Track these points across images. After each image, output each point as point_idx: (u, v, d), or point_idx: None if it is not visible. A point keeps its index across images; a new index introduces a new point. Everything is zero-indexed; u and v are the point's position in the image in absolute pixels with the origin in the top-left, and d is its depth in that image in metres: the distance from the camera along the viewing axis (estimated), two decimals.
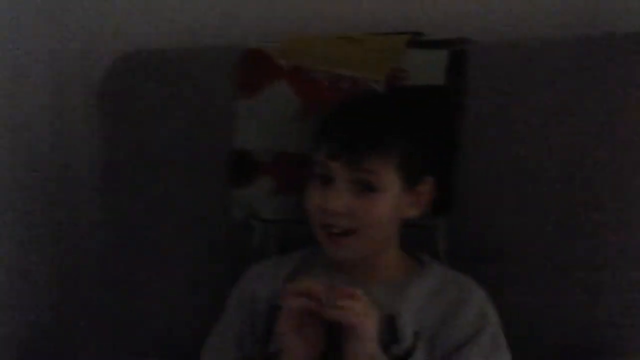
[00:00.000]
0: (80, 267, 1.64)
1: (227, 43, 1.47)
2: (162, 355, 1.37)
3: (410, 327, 1.16)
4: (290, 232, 1.36)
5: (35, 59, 1.62)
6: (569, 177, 1.23)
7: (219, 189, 1.37)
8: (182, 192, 1.39)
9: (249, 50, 1.40)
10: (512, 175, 1.26)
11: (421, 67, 1.31)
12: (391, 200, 1.18)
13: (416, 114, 1.23)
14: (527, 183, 1.25)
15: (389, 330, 1.15)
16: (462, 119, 1.28)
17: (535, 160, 1.24)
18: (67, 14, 1.65)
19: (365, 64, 1.33)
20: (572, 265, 1.24)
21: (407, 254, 1.26)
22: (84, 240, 1.64)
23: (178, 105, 1.40)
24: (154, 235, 1.41)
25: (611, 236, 1.22)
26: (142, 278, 1.41)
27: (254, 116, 1.36)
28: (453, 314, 1.17)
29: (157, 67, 1.45)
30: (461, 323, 1.16)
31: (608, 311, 1.23)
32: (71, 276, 1.66)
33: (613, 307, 1.23)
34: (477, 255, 1.28)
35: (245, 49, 1.40)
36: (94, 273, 1.50)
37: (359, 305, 1.08)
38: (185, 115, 1.40)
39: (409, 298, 1.18)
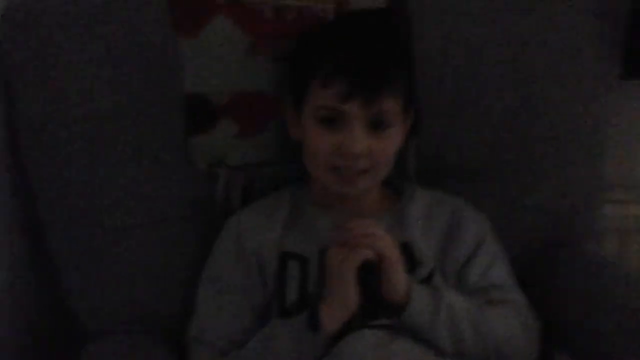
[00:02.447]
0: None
1: None
2: (144, 330, 1.26)
3: (425, 250, 1.21)
4: (255, 177, 1.31)
5: None
6: (519, 87, 1.34)
7: (176, 140, 1.27)
8: (133, 150, 1.25)
9: None
10: (464, 92, 1.33)
11: None
12: (399, 134, 1.20)
13: (400, 40, 1.25)
14: (479, 99, 1.33)
15: (407, 258, 1.18)
16: (412, 39, 1.32)
17: (485, 74, 1.33)
18: None
19: None
20: (529, 173, 1.37)
21: (384, 183, 1.28)
22: None
23: (107, 57, 1.23)
24: (106, 203, 1.25)
25: (562, 140, 1.36)
26: (101, 253, 1.26)
27: (200, 57, 1.26)
28: (454, 232, 1.24)
29: (64, 15, 1.23)
30: (464, 238, 1.23)
31: (572, 202, 1.39)
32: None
33: (577, 198, 1.39)
34: (440, 173, 1.35)
35: None
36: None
37: (382, 234, 1.12)
38: (120, 66, 1.23)
39: (410, 224, 1.23)
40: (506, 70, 1.34)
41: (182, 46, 1.25)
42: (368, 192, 1.23)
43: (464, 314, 1.13)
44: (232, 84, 1.28)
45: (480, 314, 1.15)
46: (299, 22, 1.29)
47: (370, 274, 1.11)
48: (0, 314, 1.28)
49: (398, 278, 1.12)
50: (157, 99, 1.25)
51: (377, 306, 1.13)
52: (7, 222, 1.29)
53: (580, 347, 1.23)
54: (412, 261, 1.18)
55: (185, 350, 1.21)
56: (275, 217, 1.23)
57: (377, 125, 1.15)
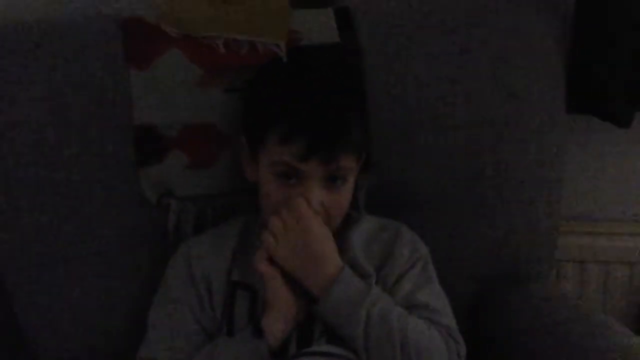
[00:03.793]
0: None
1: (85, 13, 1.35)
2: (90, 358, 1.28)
3: (367, 266, 1.20)
4: (206, 208, 1.32)
5: None
6: (469, 123, 1.35)
7: (127, 171, 1.28)
8: (83, 180, 1.27)
9: (129, 20, 1.30)
10: (415, 127, 1.35)
11: (313, 27, 1.34)
12: (353, 184, 1.20)
13: (355, 85, 1.27)
14: (429, 133, 1.35)
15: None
16: (364, 76, 1.33)
17: (435, 109, 1.34)
18: None
19: (260, 27, 1.32)
20: (480, 206, 1.38)
21: None
22: None
23: (57, 87, 1.26)
24: (57, 234, 1.27)
25: (512, 175, 1.37)
26: (51, 280, 1.27)
27: (151, 89, 1.28)
28: (389, 254, 1.23)
29: (14, 43, 1.27)
30: (397, 263, 1.23)
31: (516, 244, 1.40)
32: None
33: (521, 241, 1.40)
34: (393, 208, 1.34)
35: (124, 18, 1.30)
36: None
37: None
38: (71, 97, 1.26)
39: (352, 246, 1.22)
40: (455, 107, 1.35)
41: (133, 78, 1.27)
42: None
43: (393, 308, 1.13)
44: (182, 116, 1.29)
45: (409, 317, 1.14)
46: (252, 55, 1.31)
47: None
48: None
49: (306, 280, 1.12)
50: (107, 129, 1.27)
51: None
52: None
53: None
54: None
55: None
56: (224, 246, 1.24)
57: (333, 180, 1.16)
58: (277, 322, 1.12)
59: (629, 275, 1.69)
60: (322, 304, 1.12)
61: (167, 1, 1.33)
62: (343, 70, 1.27)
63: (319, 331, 1.16)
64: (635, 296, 1.69)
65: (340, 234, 1.23)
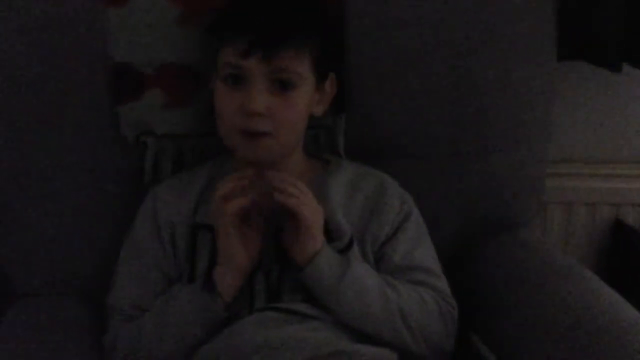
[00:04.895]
0: None
1: None
2: (72, 293, 1.30)
3: (344, 224, 1.20)
4: (184, 147, 1.32)
5: None
6: (452, 67, 1.33)
7: (103, 109, 1.28)
8: (57, 120, 1.27)
9: None
10: (398, 70, 1.32)
11: None
12: (305, 98, 1.18)
13: (320, 7, 1.24)
14: (412, 77, 1.33)
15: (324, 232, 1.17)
16: (344, 13, 1.30)
17: (418, 52, 1.32)
18: None
19: None
20: (463, 152, 1.37)
21: (310, 155, 1.29)
22: None
23: (32, 24, 1.24)
24: (29, 170, 1.29)
25: (496, 120, 1.36)
26: (23, 215, 1.29)
27: (128, 26, 1.26)
28: (376, 208, 1.23)
29: None
30: (387, 217, 1.22)
31: (501, 190, 1.40)
32: None
33: (505, 186, 1.40)
34: (373, 151, 1.35)
35: None
36: None
37: (309, 197, 1.12)
38: (45, 33, 1.24)
39: (330, 197, 1.21)
40: (440, 50, 1.32)
41: (109, 15, 1.25)
42: (281, 161, 1.21)
43: (374, 287, 1.14)
44: (160, 55, 1.28)
45: (395, 292, 1.15)
46: None
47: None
48: None
49: (310, 245, 1.12)
50: (83, 67, 1.26)
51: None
52: None
53: (492, 332, 1.25)
54: (327, 235, 1.17)
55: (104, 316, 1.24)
56: (190, 190, 1.24)
57: (281, 86, 1.14)
58: (226, 276, 1.13)
59: None
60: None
61: None
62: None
63: (288, 287, 1.16)
64: None
65: (319, 183, 1.23)
